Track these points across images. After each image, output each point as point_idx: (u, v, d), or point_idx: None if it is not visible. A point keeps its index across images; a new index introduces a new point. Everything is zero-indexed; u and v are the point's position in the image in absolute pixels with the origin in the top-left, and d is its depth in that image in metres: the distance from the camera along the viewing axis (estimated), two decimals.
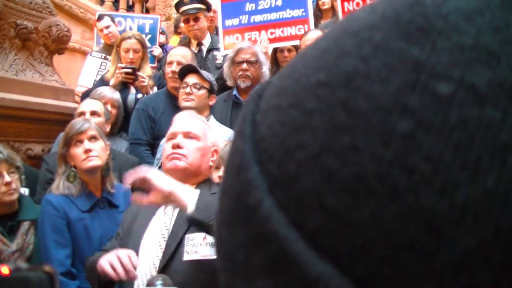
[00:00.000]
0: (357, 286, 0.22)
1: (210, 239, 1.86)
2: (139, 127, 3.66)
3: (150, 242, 1.97)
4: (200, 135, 2.15)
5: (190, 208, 1.75)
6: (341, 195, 0.22)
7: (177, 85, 3.59)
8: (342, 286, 0.22)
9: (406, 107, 0.22)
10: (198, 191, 1.84)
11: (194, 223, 1.75)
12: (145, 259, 1.94)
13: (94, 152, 2.53)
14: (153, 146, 3.63)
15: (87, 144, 2.52)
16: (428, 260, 0.21)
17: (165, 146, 2.17)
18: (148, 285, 1.62)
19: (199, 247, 1.87)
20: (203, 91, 3.28)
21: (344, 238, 0.22)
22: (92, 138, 2.57)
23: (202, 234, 1.87)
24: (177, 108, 3.46)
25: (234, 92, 3.69)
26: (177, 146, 2.08)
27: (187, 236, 1.90)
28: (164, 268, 1.85)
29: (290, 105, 0.26)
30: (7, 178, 2.50)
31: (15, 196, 2.56)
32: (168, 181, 1.84)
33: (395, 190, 0.21)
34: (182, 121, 2.21)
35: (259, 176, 0.26)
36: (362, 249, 0.22)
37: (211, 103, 3.35)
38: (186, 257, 1.86)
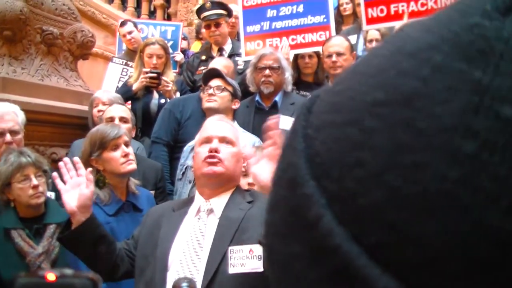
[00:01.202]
0: None
1: (258, 251, 1.83)
2: (162, 127, 3.68)
3: (183, 248, 1.94)
4: (235, 140, 2.14)
5: None
6: (405, 211, 0.23)
7: None
8: None
9: (470, 128, 0.22)
10: None
11: None
12: (179, 265, 1.91)
13: (131, 156, 2.58)
14: (173, 148, 3.66)
15: (125, 149, 2.57)
16: (494, 275, 0.21)
17: (198, 150, 2.14)
18: (173, 287, 1.63)
19: (246, 259, 1.84)
20: (226, 93, 3.29)
21: (407, 252, 0.23)
22: (127, 143, 2.62)
23: (248, 247, 1.85)
24: (204, 114, 3.48)
25: (257, 98, 3.70)
26: (215, 151, 2.06)
27: (230, 248, 1.87)
28: (209, 283, 1.82)
29: (346, 123, 0.26)
30: (35, 181, 2.54)
31: (42, 199, 2.59)
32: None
33: (460, 208, 0.22)
34: (216, 126, 2.19)
35: (316, 191, 0.27)
36: (426, 263, 0.22)
37: (234, 107, 3.35)
38: (232, 270, 1.83)
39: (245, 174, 2.54)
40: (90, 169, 2.10)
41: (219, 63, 3.92)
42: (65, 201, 1.99)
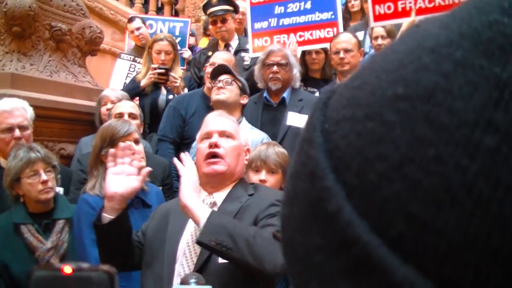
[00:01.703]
0: None
1: None
2: (168, 125, 3.71)
3: (188, 240, 1.98)
4: (235, 134, 2.16)
5: (201, 226, 1.79)
6: (426, 203, 0.23)
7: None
8: None
9: (491, 122, 0.23)
10: (209, 212, 1.84)
11: (201, 246, 1.80)
12: (183, 257, 1.95)
13: (141, 154, 2.58)
14: (179, 145, 3.67)
15: (135, 147, 2.57)
16: None
17: (199, 146, 2.17)
18: (182, 283, 1.64)
19: None
20: (234, 87, 3.28)
21: (428, 243, 0.23)
22: (137, 140, 2.63)
23: None
24: (210, 110, 3.48)
25: (265, 94, 3.70)
26: (215, 145, 2.08)
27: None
28: (199, 271, 1.85)
29: (366, 117, 0.27)
30: (44, 176, 2.56)
31: (51, 195, 2.61)
32: (189, 194, 1.86)
33: (480, 200, 0.22)
34: (215, 121, 2.21)
35: (336, 184, 0.27)
36: (447, 254, 0.23)
37: (242, 101, 3.34)
38: (221, 259, 1.87)
39: (257, 170, 2.55)
40: (149, 169, 2.12)
41: (220, 57, 3.92)
42: (108, 182, 1.98)
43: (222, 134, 2.13)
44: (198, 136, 2.27)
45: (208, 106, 3.65)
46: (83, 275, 0.54)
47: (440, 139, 0.24)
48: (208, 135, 2.14)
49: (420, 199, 0.24)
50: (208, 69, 3.83)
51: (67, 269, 0.54)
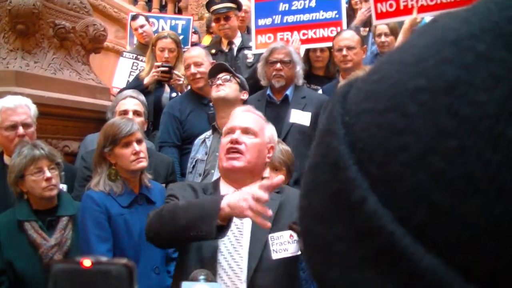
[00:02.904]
0: (463, 277, 0.24)
1: (296, 236, 1.91)
2: (165, 131, 3.73)
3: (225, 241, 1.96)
4: (258, 131, 2.16)
5: None
6: (449, 193, 0.24)
7: (201, 86, 3.64)
8: (450, 277, 0.24)
9: None
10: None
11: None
12: (223, 260, 1.94)
13: (142, 154, 2.59)
14: (181, 147, 3.69)
15: (136, 147, 2.57)
16: None
17: (222, 140, 2.18)
18: (191, 279, 1.65)
19: (288, 244, 1.91)
20: (234, 83, 3.29)
21: (451, 232, 0.24)
22: (139, 140, 2.63)
23: (288, 232, 1.92)
24: (204, 106, 3.54)
25: (268, 91, 3.71)
26: (236, 142, 2.09)
27: (270, 235, 1.92)
28: (254, 272, 1.87)
29: (387, 109, 0.27)
30: (48, 173, 2.56)
31: (55, 192, 2.61)
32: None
33: (503, 190, 0.23)
34: (239, 117, 2.22)
35: (359, 175, 0.28)
36: (470, 242, 0.23)
37: (243, 97, 3.35)
38: (275, 256, 1.89)
39: (276, 169, 2.56)
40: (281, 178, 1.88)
41: (191, 55, 3.91)
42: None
43: (245, 131, 2.14)
44: (224, 129, 2.27)
45: (203, 103, 3.67)
46: (102, 268, 0.54)
47: (463, 130, 0.24)
48: (231, 130, 2.16)
49: (443, 189, 0.24)
50: (187, 72, 3.83)
51: (87, 262, 0.54)
